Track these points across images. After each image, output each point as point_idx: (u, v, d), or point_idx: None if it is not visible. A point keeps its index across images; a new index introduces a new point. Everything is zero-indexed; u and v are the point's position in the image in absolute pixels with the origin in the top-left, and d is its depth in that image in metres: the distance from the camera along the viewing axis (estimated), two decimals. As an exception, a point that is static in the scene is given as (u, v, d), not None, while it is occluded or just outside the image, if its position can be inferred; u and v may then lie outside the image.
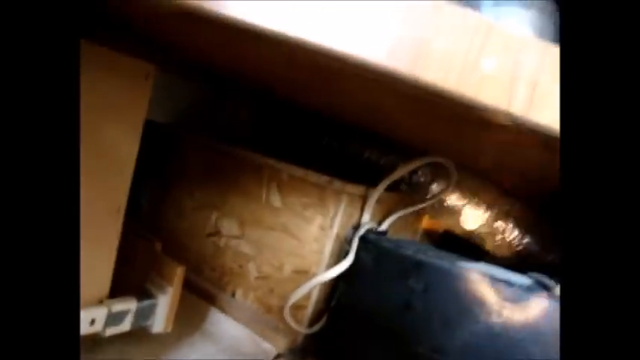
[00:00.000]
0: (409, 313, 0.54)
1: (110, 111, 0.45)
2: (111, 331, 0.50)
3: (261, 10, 0.23)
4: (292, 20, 0.23)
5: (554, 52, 0.26)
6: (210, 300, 0.68)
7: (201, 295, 0.69)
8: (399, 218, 0.70)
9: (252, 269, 0.67)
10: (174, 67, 0.77)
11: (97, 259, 0.48)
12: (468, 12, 0.25)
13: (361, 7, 0.24)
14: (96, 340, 0.53)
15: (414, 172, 0.74)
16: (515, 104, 0.25)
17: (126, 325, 0.51)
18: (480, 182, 0.76)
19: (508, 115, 0.25)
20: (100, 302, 0.49)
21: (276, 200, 0.65)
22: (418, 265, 0.53)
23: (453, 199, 0.75)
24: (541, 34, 0.39)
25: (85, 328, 0.47)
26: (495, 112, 0.25)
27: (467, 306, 0.51)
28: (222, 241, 0.70)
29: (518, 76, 0.25)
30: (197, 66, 0.63)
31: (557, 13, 0.39)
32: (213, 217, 0.71)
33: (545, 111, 0.26)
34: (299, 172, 0.62)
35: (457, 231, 0.78)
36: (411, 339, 0.53)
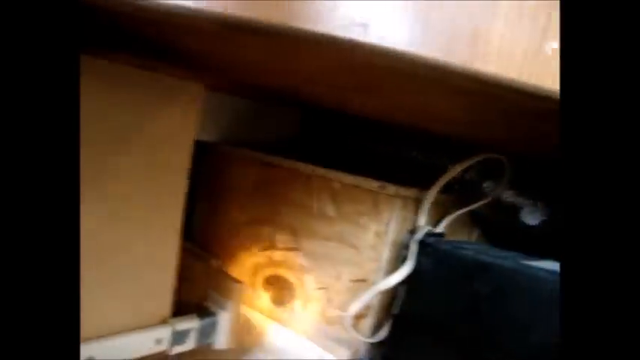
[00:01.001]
0: (476, 318, 0.52)
1: (162, 133, 0.46)
2: (176, 349, 0.50)
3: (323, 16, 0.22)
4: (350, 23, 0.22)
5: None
6: (269, 314, 0.68)
7: (259, 309, 0.69)
8: (454, 220, 0.68)
9: (309, 281, 0.66)
10: (218, 86, 0.78)
11: (158, 280, 0.49)
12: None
13: (416, 4, 0.23)
14: (162, 358, 0.53)
15: (466, 171, 0.72)
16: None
17: (190, 343, 0.51)
18: (536, 176, 0.73)
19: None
20: (164, 322, 0.50)
21: (329, 210, 0.64)
22: (482, 267, 0.51)
23: (510, 196, 0.72)
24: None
25: (151, 348, 0.48)
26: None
27: (539, 307, 0.48)
28: (278, 255, 0.70)
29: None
30: (243, 83, 0.63)
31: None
32: (267, 230, 0.71)
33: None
34: (350, 179, 0.61)
35: (516, 228, 0.75)
36: (480, 346, 0.51)
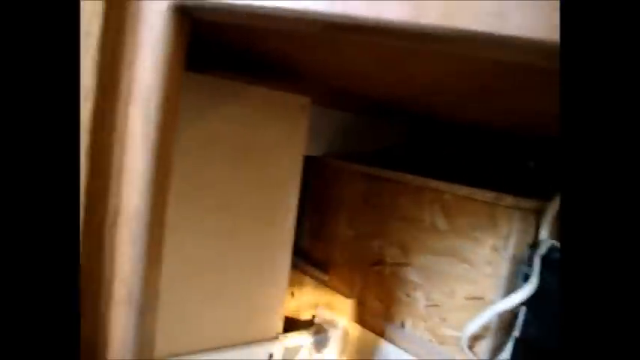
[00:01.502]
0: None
1: (272, 147, 0.46)
2: (287, 365, 0.50)
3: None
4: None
5: None
6: (379, 332, 0.66)
7: (369, 326, 0.67)
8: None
9: (420, 297, 0.63)
10: (321, 99, 0.78)
11: (269, 295, 0.49)
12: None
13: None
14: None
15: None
16: None
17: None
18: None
19: None
20: (276, 337, 0.49)
21: (441, 223, 0.61)
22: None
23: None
24: None
25: (262, 363, 0.48)
26: None
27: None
28: (387, 270, 0.68)
29: None
30: (352, 95, 0.62)
31: None
32: (376, 245, 0.69)
33: None
34: (463, 190, 0.58)
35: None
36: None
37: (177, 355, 0.42)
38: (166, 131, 0.25)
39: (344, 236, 0.74)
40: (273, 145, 0.46)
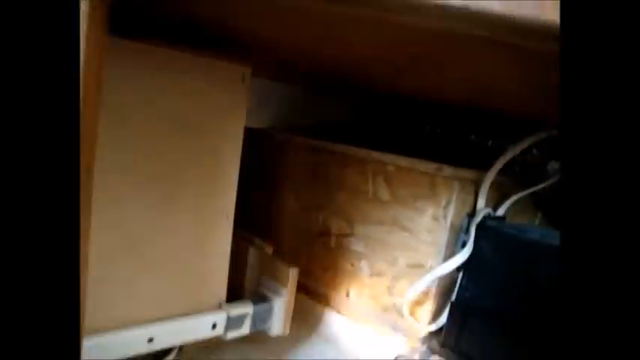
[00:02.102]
0: (540, 304, 0.49)
1: (210, 117, 0.46)
2: (232, 334, 0.50)
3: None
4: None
5: None
6: (325, 301, 0.67)
7: (315, 296, 0.69)
8: (516, 202, 0.65)
9: (364, 267, 0.65)
10: (267, 72, 0.77)
11: (212, 265, 0.48)
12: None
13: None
14: (218, 343, 0.53)
15: (527, 151, 0.68)
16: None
17: (245, 329, 0.51)
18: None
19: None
20: (219, 307, 0.50)
21: (384, 194, 0.62)
22: (549, 251, 0.48)
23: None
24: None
25: (207, 332, 0.48)
26: None
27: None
28: (332, 241, 0.69)
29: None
30: (291, 65, 0.62)
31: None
32: (321, 217, 0.70)
33: None
34: (406, 162, 0.59)
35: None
36: (545, 331, 0.48)
37: (116, 328, 0.42)
38: (88, 100, 0.25)
39: (290, 208, 0.75)
40: (213, 116, 0.46)
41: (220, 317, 0.49)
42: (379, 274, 0.63)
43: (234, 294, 0.53)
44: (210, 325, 0.48)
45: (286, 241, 0.75)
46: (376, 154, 0.62)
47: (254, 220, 0.80)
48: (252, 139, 0.79)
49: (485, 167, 0.59)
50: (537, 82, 0.39)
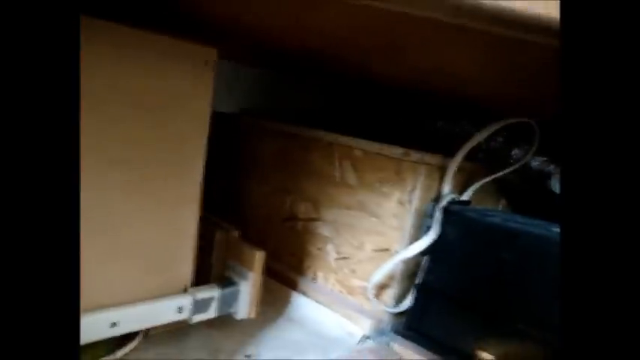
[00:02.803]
0: (502, 287, 0.50)
1: (176, 100, 0.45)
2: (197, 318, 0.50)
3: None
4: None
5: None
6: (292, 285, 0.67)
7: (282, 280, 0.69)
8: (480, 188, 0.66)
9: (331, 251, 0.65)
10: (235, 55, 0.76)
11: (177, 249, 0.48)
12: None
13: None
14: (184, 327, 0.53)
15: (492, 138, 0.70)
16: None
17: (211, 312, 0.51)
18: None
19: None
20: (185, 291, 0.49)
21: (350, 178, 0.63)
22: (510, 235, 0.50)
23: (538, 163, 0.70)
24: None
25: (172, 316, 0.48)
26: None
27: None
28: (300, 225, 0.69)
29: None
30: (258, 49, 0.62)
31: None
32: (288, 201, 0.70)
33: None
34: (372, 146, 0.60)
35: (545, 196, 0.72)
36: (506, 315, 0.50)
37: (82, 312, 0.41)
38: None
39: (257, 192, 0.74)
40: (178, 98, 0.45)
41: (186, 301, 0.48)
42: (345, 259, 0.64)
43: (202, 278, 0.53)
44: (176, 309, 0.48)
45: (254, 225, 0.75)
46: (343, 139, 0.63)
47: (222, 205, 0.79)
48: (221, 124, 0.78)
49: (452, 153, 0.60)
50: (496, 68, 0.40)
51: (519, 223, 0.50)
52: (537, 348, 0.48)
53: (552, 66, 0.34)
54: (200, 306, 0.50)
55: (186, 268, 0.49)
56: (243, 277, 0.53)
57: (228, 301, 0.52)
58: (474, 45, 0.31)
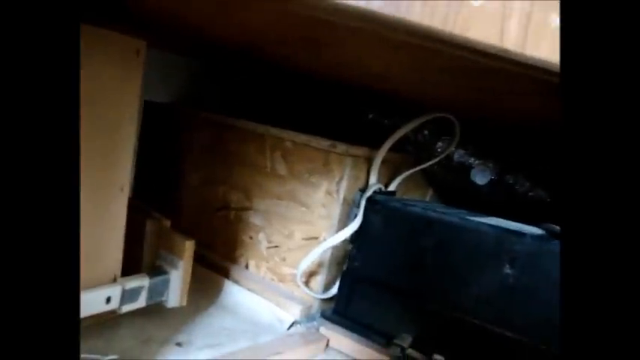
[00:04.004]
0: (421, 272, 0.54)
1: (104, 90, 0.45)
2: (127, 308, 0.50)
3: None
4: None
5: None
6: (225, 273, 0.69)
7: (216, 269, 0.70)
8: (408, 179, 0.69)
9: (262, 240, 0.67)
10: (169, 45, 0.76)
11: (106, 239, 0.48)
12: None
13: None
14: (114, 317, 0.53)
15: (418, 131, 0.73)
16: (509, 39, 0.24)
17: (141, 302, 0.52)
18: (486, 136, 0.74)
19: (502, 50, 0.24)
20: (114, 280, 0.50)
21: (281, 169, 0.64)
22: (428, 223, 0.53)
23: (460, 155, 0.74)
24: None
25: (101, 307, 0.48)
26: (487, 48, 0.24)
27: (480, 260, 0.50)
28: (232, 214, 0.70)
29: (510, 9, 0.24)
30: (190, 40, 0.62)
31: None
32: (221, 191, 0.71)
33: (541, 44, 0.25)
34: (302, 138, 0.62)
35: (467, 188, 0.77)
36: (426, 298, 0.53)
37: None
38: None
39: (191, 182, 0.75)
40: (106, 88, 0.45)
41: (115, 291, 0.49)
42: (276, 247, 0.66)
43: (132, 267, 0.54)
44: (104, 299, 0.48)
45: (188, 215, 0.75)
46: (274, 130, 0.64)
47: (156, 194, 0.79)
48: (154, 114, 0.78)
49: (378, 145, 0.63)
50: (421, 69, 0.42)
51: (437, 212, 0.54)
52: (450, 327, 0.51)
53: (463, 70, 0.37)
54: (129, 296, 0.50)
55: (114, 257, 0.50)
56: (174, 265, 0.54)
57: (158, 290, 0.53)
58: (384, 47, 0.33)
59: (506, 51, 0.24)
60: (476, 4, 0.24)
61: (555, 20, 0.25)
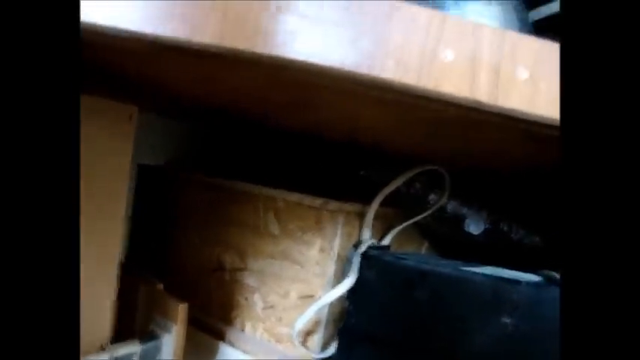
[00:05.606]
0: (419, 326, 0.53)
1: (96, 156, 0.46)
2: (118, 376, 0.49)
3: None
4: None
5: (512, 36, 0.26)
6: (220, 336, 0.67)
7: (212, 332, 0.68)
8: (402, 233, 0.69)
9: (258, 300, 0.66)
10: (160, 109, 0.78)
11: (95, 306, 0.48)
12: (419, 7, 0.25)
13: (315, 16, 0.24)
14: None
15: (410, 185, 0.74)
16: (479, 91, 0.25)
17: (133, 369, 0.51)
18: (478, 185, 0.75)
19: (473, 102, 0.25)
20: (102, 349, 0.49)
21: (274, 228, 0.64)
22: (421, 275, 0.53)
23: (453, 206, 0.74)
24: (506, 28, 0.39)
25: (90, 376, 0.47)
26: (459, 100, 0.25)
27: (477, 311, 0.50)
28: (227, 276, 0.70)
29: (479, 63, 0.25)
30: (179, 104, 0.64)
31: (521, 7, 0.39)
32: (216, 252, 0.71)
33: (512, 95, 0.26)
34: (293, 196, 0.62)
35: (462, 238, 0.77)
36: (425, 353, 0.52)
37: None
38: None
39: (185, 245, 0.75)
40: (98, 154, 0.46)
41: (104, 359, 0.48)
42: (272, 307, 0.65)
43: (125, 332, 0.53)
44: (94, 368, 0.47)
45: (183, 277, 0.74)
46: (266, 190, 0.65)
47: (151, 257, 0.79)
48: (148, 176, 0.78)
49: (369, 200, 0.63)
50: (404, 123, 0.43)
51: (431, 264, 0.53)
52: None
53: (443, 120, 0.38)
54: (121, 363, 0.49)
55: (103, 325, 0.49)
56: (168, 330, 0.53)
57: (150, 356, 0.52)
58: (366, 104, 0.34)
59: (479, 102, 0.25)
60: (446, 60, 0.25)
61: (523, 73, 0.26)
